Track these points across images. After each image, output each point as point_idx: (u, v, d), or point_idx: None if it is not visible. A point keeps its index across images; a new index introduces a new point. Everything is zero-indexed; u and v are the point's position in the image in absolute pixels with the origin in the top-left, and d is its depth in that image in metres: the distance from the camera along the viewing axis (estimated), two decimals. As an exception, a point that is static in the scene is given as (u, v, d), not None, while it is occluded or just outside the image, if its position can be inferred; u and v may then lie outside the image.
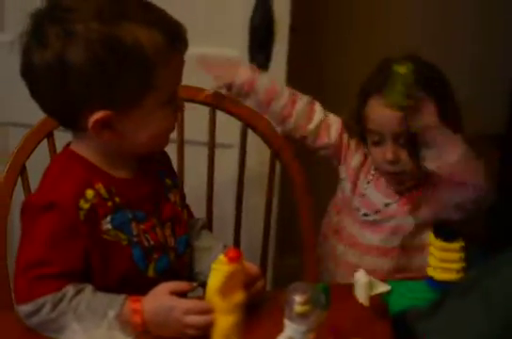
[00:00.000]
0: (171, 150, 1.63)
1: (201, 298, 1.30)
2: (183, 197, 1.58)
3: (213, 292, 1.26)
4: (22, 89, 1.34)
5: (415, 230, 1.75)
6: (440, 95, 1.64)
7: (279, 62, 2.07)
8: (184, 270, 1.52)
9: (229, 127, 1.83)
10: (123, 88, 1.29)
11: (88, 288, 1.32)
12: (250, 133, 1.84)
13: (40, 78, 1.31)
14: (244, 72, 1.76)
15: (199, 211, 1.70)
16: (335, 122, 1.81)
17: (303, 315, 1.15)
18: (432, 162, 1.57)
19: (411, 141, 1.61)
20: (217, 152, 1.87)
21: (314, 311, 1.16)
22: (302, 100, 1.78)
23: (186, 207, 1.60)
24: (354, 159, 1.81)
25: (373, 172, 1.79)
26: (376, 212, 1.77)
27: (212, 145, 1.85)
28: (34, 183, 1.50)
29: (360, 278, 1.36)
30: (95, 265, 1.35)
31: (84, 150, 1.39)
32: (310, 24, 2.43)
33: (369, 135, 1.73)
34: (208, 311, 1.27)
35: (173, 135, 1.48)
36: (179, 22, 1.35)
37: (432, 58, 1.72)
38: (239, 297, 1.27)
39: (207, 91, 1.77)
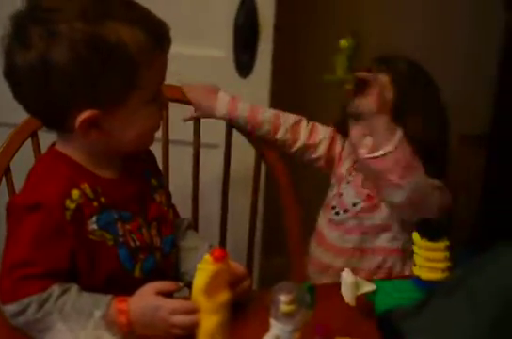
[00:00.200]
0: (156, 149, 1.63)
1: (188, 298, 1.30)
2: (168, 197, 1.58)
3: (198, 292, 1.26)
4: (4, 89, 1.33)
5: (372, 231, 1.75)
6: (424, 95, 1.64)
7: (263, 61, 2.07)
8: (171, 270, 1.52)
9: (214, 127, 1.83)
10: (107, 87, 1.29)
11: (74, 288, 1.32)
12: (235, 133, 1.84)
13: (23, 79, 1.30)
14: (222, 102, 1.77)
15: (184, 211, 1.70)
16: (324, 139, 1.81)
17: (289, 315, 1.16)
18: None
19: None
20: (202, 151, 1.87)
21: (300, 310, 1.16)
22: (284, 125, 1.78)
23: (172, 207, 1.60)
24: (344, 165, 1.82)
25: (354, 173, 1.79)
26: (345, 211, 1.77)
27: (197, 145, 1.85)
28: (18, 183, 1.50)
29: (347, 277, 1.36)
30: (81, 265, 1.35)
31: (69, 150, 1.39)
32: (294, 23, 2.43)
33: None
34: (194, 311, 1.27)
35: (158, 134, 1.48)
36: (162, 20, 1.34)
37: (417, 59, 1.73)
38: (224, 296, 1.27)
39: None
